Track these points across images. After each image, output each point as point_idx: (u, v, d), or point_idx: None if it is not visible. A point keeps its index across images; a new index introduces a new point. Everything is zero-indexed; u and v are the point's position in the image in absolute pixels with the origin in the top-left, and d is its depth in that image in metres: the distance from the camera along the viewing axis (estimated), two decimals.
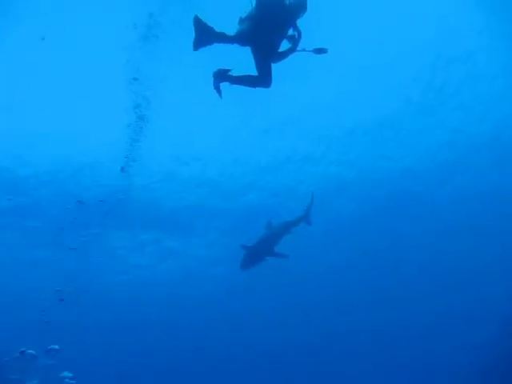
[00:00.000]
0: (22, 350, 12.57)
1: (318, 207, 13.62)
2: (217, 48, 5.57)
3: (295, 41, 5.57)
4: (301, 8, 5.46)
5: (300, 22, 5.58)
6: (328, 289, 23.73)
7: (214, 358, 26.67)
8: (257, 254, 11.65)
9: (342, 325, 24.91)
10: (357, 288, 23.54)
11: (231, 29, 5.55)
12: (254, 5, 5.43)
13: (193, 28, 5.37)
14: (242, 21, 5.55)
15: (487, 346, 19.67)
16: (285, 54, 5.63)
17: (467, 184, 19.35)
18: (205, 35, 5.41)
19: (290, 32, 5.59)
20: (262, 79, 5.69)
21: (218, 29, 5.43)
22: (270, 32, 5.44)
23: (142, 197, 18.29)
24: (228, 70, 5.68)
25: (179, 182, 18.57)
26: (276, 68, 5.70)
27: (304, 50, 5.62)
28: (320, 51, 5.69)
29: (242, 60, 5.86)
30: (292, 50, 5.59)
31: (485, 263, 21.97)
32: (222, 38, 5.47)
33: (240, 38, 5.50)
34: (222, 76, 5.67)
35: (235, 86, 5.78)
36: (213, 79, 5.71)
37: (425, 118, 16.99)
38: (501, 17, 13.40)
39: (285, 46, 5.66)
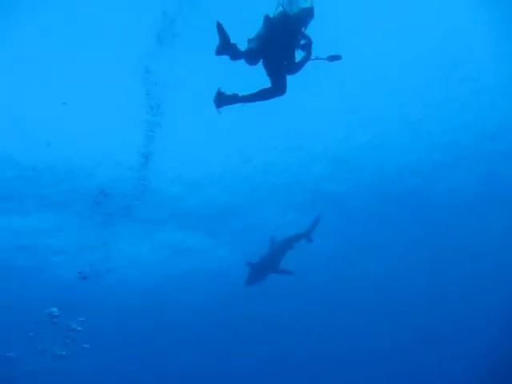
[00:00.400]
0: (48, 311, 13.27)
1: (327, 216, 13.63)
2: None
3: (308, 49, 5.58)
4: (307, 16, 5.51)
5: (310, 30, 5.64)
6: (330, 296, 23.72)
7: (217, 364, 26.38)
8: (261, 270, 11.63)
9: (343, 331, 24.85)
10: (358, 295, 23.48)
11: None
12: (261, 24, 5.49)
13: (217, 33, 5.33)
14: (250, 41, 5.59)
15: (487, 351, 19.66)
16: (301, 64, 5.65)
17: (468, 193, 19.22)
18: (226, 42, 5.37)
19: (302, 41, 5.63)
20: (277, 88, 5.67)
21: (232, 40, 5.42)
22: (280, 46, 5.48)
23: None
24: (235, 94, 5.62)
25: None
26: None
27: (318, 58, 5.63)
28: (334, 58, 5.70)
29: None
30: (307, 58, 5.62)
31: (485, 268, 21.76)
32: (233, 50, 5.44)
33: (250, 55, 5.50)
34: (228, 100, 5.63)
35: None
36: (217, 104, 5.66)
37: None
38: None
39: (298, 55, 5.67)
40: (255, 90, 5.70)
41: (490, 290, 22.16)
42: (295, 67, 5.65)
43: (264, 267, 11.64)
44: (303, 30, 5.56)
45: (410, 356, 25.04)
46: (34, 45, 12.52)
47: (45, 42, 12.47)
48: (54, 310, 13.55)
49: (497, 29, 13.56)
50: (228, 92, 5.66)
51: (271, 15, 5.47)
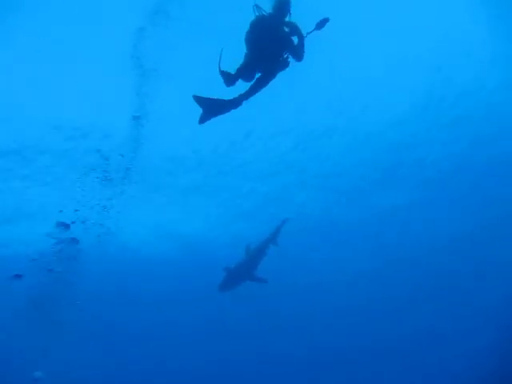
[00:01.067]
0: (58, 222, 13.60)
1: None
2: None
3: (298, 32, 5.70)
4: (284, 4, 5.56)
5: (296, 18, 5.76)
6: (327, 296, 23.70)
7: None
8: (236, 276, 11.93)
9: (341, 331, 24.79)
10: (355, 294, 23.50)
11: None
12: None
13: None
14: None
15: (486, 351, 19.87)
16: (301, 48, 5.74)
17: (464, 194, 19.28)
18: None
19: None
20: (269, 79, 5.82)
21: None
22: (269, 47, 5.61)
23: None
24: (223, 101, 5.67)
25: None
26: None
27: (308, 33, 5.69)
28: (322, 24, 5.66)
29: None
30: (301, 39, 5.71)
31: (484, 268, 21.73)
32: (229, 77, 5.58)
33: (245, 70, 5.64)
34: (216, 109, 5.67)
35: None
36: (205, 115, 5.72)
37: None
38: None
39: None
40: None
41: (491, 287, 22.05)
42: (298, 52, 5.75)
43: (239, 273, 11.92)
44: (288, 18, 5.66)
45: (409, 355, 24.87)
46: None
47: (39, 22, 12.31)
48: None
49: (495, 28, 13.55)
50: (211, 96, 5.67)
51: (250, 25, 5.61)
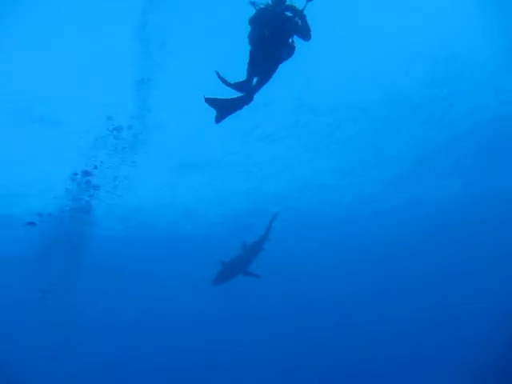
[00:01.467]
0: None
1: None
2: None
3: (297, 10, 5.71)
4: None
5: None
6: (327, 286, 23.79)
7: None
8: (231, 271, 12.12)
9: (339, 323, 24.99)
10: (355, 286, 23.58)
11: None
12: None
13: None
14: None
15: (487, 344, 19.86)
16: (304, 25, 5.75)
17: (463, 187, 19.17)
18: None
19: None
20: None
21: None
22: (277, 34, 5.57)
23: None
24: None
25: None
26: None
27: (303, 8, 5.69)
28: None
29: None
30: (303, 17, 5.72)
31: (484, 260, 21.59)
32: (241, 85, 5.58)
33: (253, 66, 5.60)
34: (226, 108, 5.64)
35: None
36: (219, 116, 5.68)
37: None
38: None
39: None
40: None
41: (489, 281, 21.88)
42: (305, 32, 5.77)
43: (234, 268, 12.13)
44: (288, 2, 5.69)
45: (406, 348, 24.52)
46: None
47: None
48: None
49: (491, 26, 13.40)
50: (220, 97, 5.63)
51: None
